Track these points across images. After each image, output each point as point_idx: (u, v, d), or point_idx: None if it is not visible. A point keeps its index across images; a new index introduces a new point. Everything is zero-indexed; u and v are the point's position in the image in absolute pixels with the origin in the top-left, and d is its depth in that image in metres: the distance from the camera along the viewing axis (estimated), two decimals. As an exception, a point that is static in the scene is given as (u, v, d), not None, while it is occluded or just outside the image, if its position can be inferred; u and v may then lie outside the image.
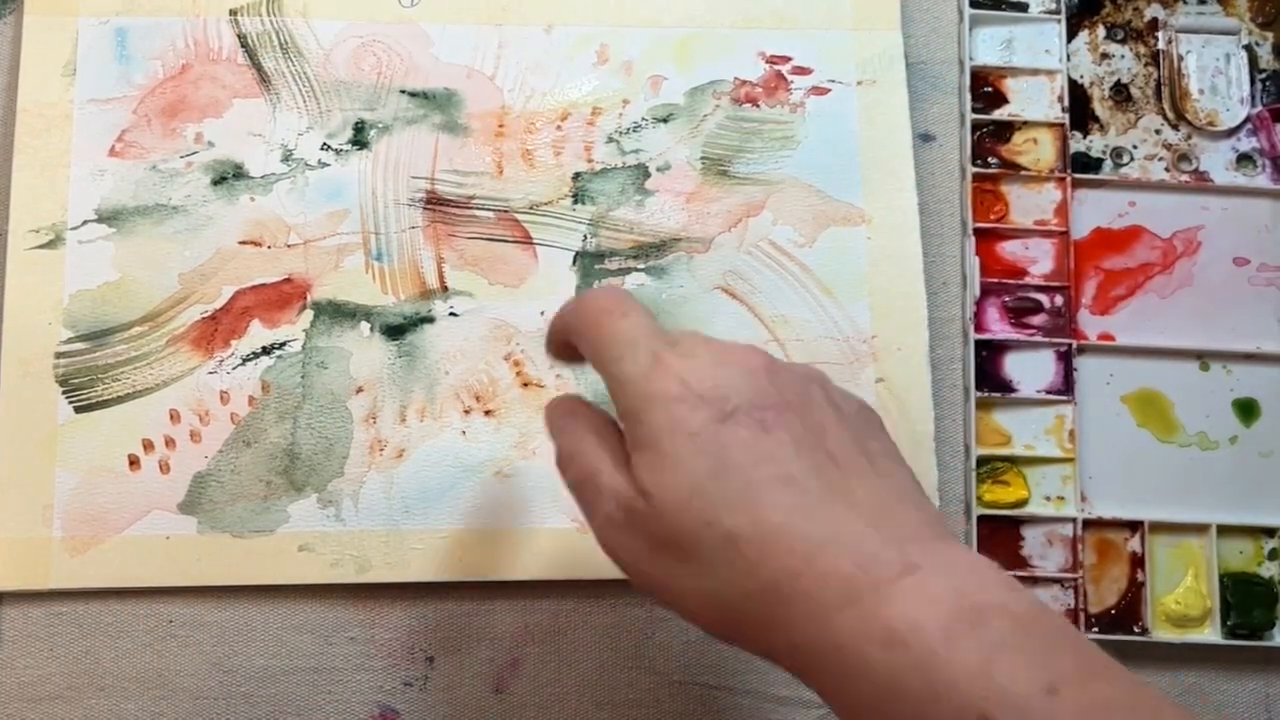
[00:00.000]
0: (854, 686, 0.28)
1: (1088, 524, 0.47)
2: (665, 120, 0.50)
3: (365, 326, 0.47)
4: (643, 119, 0.50)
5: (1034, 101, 0.51)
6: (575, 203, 0.49)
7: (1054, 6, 0.52)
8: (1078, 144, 0.51)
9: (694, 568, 0.30)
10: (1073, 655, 0.28)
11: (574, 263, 0.48)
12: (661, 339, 0.32)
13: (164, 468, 0.45)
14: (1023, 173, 0.50)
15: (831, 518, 0.29)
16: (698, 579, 0.30)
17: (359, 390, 0.46)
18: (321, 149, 0.48)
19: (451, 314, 0.47)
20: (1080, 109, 0.51)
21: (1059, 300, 0.49)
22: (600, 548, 0.32)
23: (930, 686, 0.27)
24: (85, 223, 0.47)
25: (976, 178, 0.50)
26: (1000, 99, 0.51)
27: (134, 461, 0.45)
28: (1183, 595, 0.47)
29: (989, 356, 0.49)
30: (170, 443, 0.45)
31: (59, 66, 0.48)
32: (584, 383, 0.47)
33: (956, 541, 0.32)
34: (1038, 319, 0.49)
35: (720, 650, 0.46)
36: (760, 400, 0.31)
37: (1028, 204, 0.50)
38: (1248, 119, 0.51)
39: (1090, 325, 0.49)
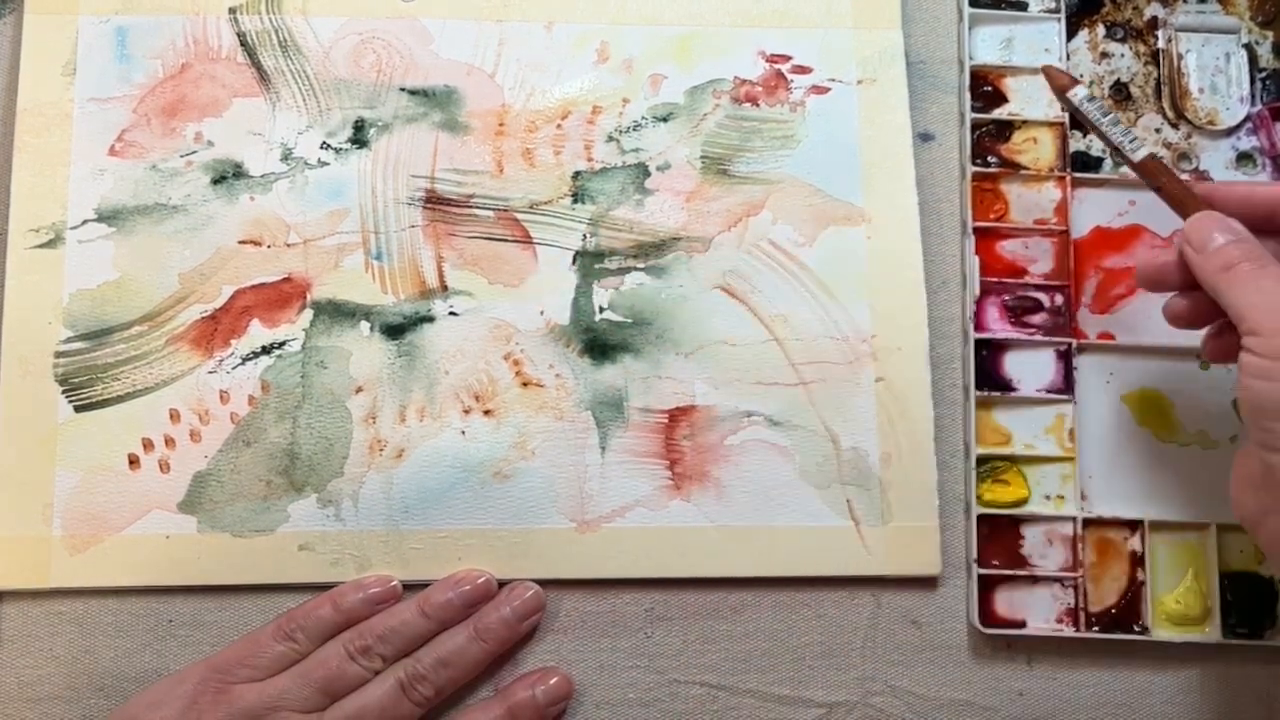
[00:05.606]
0: None
1: (1088, 523, 0.47)
2: (665, 119, 0.50)
3: (365, 326, 0.47)
4: (643, 118, 0.50)
5: (1034, 100, 0.51)
6: (575, 202, 0.49)
7: (1054, 5, 0.52)
8: (1077, 143, 0.51)
9: None
10: None
11: (574, 262, 0.48)
12: None
13: (164, 467, 0.45)
14: (1022, 172, 0.50)
15: None
16: None
17: (359, 390, 0.46)
18: (321, 148, 0.48)
19: (451, 313, 0.47)
20: (1080, 108, 0.51)
21: (1059, 299, 0.49)
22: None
23: None
24: (85, 222, 0.47)
25: (976, 177, 0.50)
26: (1000, 98, 0.51)
27: (134, 461, 0.45)
28: (1183, 594, 0.47)
29: (989, 355, 0.49)
30: (170, 442, 0.45)
31: (59, 65, 0.48)
32: (584, 381, 0.47)
33: None
34: (1037, 318, 0.49)
35: (720, 650, 0.46)
36: None
37: (1027, 203, 0.50)
38: (1248, 118, 0.51)
39: (1090, 324, 0.49)
